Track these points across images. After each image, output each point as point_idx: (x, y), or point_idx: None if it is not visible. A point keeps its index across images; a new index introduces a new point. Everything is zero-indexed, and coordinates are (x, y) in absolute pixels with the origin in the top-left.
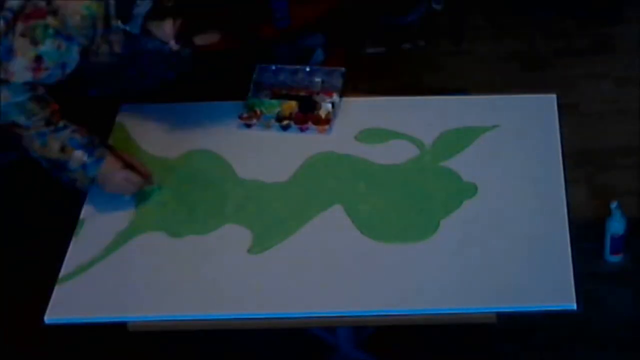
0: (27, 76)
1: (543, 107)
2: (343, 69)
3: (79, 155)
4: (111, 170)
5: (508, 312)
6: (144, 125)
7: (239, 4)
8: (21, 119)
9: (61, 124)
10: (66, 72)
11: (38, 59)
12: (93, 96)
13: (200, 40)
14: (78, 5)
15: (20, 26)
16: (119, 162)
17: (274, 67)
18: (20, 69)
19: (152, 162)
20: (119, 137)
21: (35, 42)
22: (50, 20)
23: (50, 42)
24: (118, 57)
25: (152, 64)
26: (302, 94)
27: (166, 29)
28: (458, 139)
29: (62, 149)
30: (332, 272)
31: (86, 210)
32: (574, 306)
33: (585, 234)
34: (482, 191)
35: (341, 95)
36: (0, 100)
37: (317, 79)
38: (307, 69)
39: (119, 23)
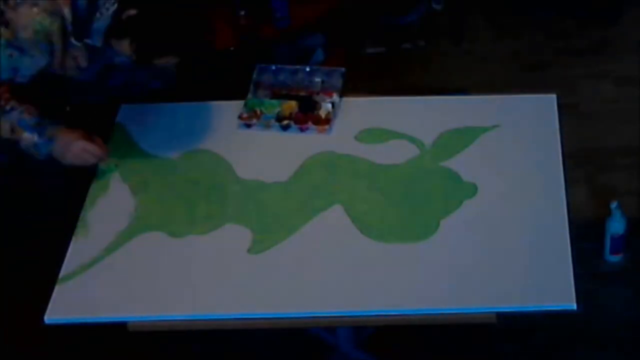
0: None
1: (543, 107)
2: (343, 69)
3: (29, 136)
4: (67, 142)
5: (508, 312)
6: (144, 125)
7: (189, 26)
8: None
9: (8, 106)
10: (19, 74)
11: None
12: (76, 104)
13: (158, 61)
14: (30, 19)
15: None
16: (74, 132)
17: (274, 67)
18: None
19: (152, 162)
20: (119, 137)
21: None
22: (2, 31)
23: (2, 51)
24: (90, 72)
25: (134, 75)
26: (302, 94)
27: (124, 47)
28: (458, 139)
29: (12, 130)
30: (332, 272)
31: (86, 210)
32: (574, 306)
33: (585, 234)
34: (482, 191)
35: (341, 95)
36: None
37: (317, 79)
38: (307, 69)
39: (73, 40)
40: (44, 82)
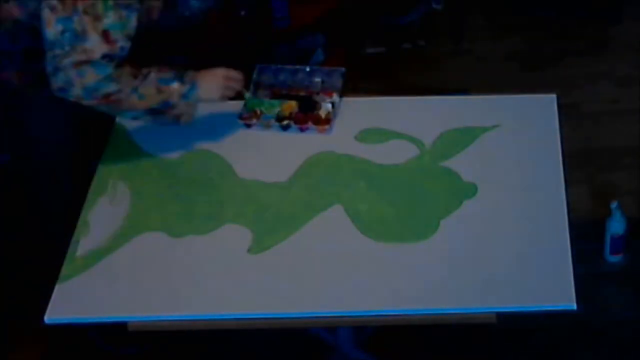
0: (104, 49)
1: (543, 107)
2: (343, 69)
3: (176, 87)
4: (209, 78)
5: (508, 312)
6: (144, 126)
7: None
8: (112, 88)
9: (144, 71)
10: (130, 42)
11: (105, 33)
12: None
13: None
14: None
15: (80, 6)
16: (210, 69)
17: (273, 67)
18: (95, 44)
19: (152, 162)
20: (119, 137)
21: (98, 18)
22: None
23: (111, 15)
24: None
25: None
26: (302, 94)
27: None
28: (458, 139)
29: (159, 91)
30: (332, 272)
31: (86, 210)
32: (574, 306)
33: (585, 234)
34: (482, 191)
35: (341, 95)
36: (90, 80)
37: (317, 79)
38: (307, 69)
39: None
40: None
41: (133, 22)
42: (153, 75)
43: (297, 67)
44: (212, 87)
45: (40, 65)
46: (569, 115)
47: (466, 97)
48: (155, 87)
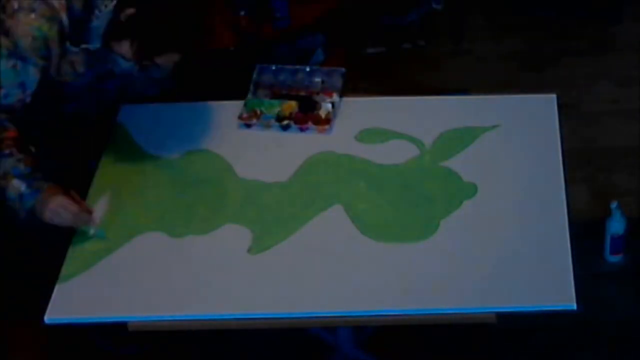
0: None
1: (543, 107)
2: (343, 69)
3: (17, 184)
4: (48, 196)
5: (508, 312)
6: (144, 125)
7: (188, 20)
8: None
9: (7, 151)
10: (27, 92)
11: None
12: (69, 112)
13: (160, 60)
14: (28, 26)
15: None
16: (59, 190)
17: (274, 67)
18: None
19: (153, 162)
20: (120, 137)
21: None
22: (2, 41)
23: (4, 62)
24: (86, 77)
25: (132, 81)
26: (302, 94)
27: (124, 49)
28: (458, 139)
29: (4, 176)
30: (332, 272)
31: None
32: (574, 306)
33: (585, 234)
34: (482, 191)
35: (341, 95)
36: None
37: (317, 79)
38: (307, 69)
39: (69, 45)
40: (37, 92)
41: (30, 74)
42: (11, 160)
43: (297, 67)
44: (45, 206)
45: None
46: (569, 115)
47: (466, 97)
48: (3, 171)
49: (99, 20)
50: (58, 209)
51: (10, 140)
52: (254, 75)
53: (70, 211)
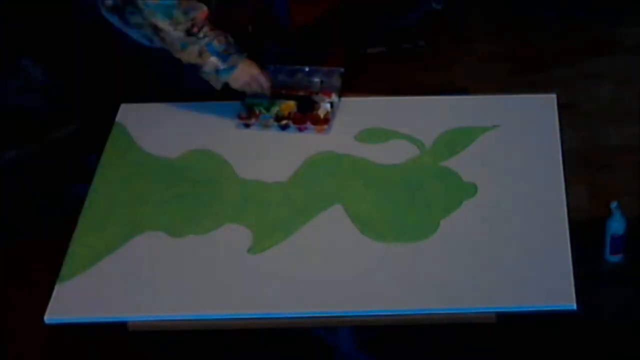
0: None
1: (543, 107)
2: (342, 69)
3: (214, 61)
4: (246, 70)
5: (508, 312)
6: (143, 125)
7: None
8: (164, 24)
9: (201, 34)
10: None
11: None
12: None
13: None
14: None
15: None
16: (253, 63)
17: (273, 67)
18: None
19: (152, 162)
20: (119, 137)
21: None
22: None
23: None
24: None
25: None
26: (301, 94)
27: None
28: (458, 139)
29: (200, 54)
30: (332, 272)
31: (86, 209)
32: (574, 306)
33: (585, 234)
34: (482, 191)
35: (340, 96)
36: (150, 1)
37: (316, 79)
38: (306, 69)
39: None
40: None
41: None
42: (206, 40)
43: (296, 67)
44: (241, 79)
45: None
46: (569, 115)
47: (466, 97)
48: (199, 48)
49: None
50: (252, 81)
51: (201, 21)
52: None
53: (260, 85)
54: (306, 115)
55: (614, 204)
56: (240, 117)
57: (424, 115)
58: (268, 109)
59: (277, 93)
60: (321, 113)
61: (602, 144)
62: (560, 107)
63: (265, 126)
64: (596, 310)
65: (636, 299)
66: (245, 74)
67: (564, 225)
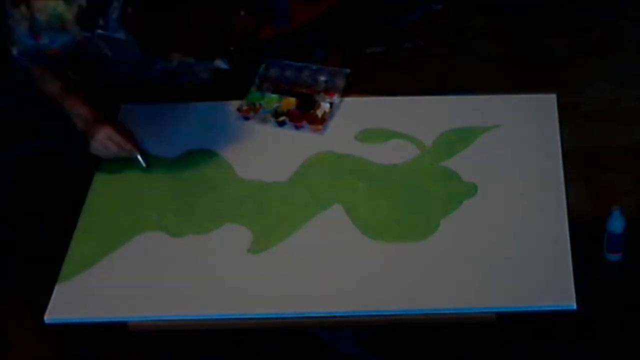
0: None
1: (543, 107)
2: (348, 70)
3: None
4: (99, 131)
5: (508, 312)
6: (144, 125)
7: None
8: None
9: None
10: (49, 43)
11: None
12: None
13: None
14: (45, 3)
15: None
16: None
17: (281, 63)
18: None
19: (153, 162)
20: None
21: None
22: (22, 9)
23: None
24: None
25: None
26: (304, 91)
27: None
28: (458, 139)
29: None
30: (331, 272)
31: (87, 210)
32: (574, 306)
33: (585, 234)
34: (482, 191)
35: (342, 96)
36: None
37: (322, 78)
38: (314, 67)
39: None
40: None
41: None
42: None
43: (304, 64)
44: (95, 133)
45: None
46: (569, 115)
47: (466, 97)
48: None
49: (114, 11)
50: (104, 140)
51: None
52: (261, 69)
53: (116, 143)
54: (303, 113)
55: (614, 204)
56: (240, 110)
57: (424, 115)
58: (269, 105)
59: (281, 89)
60: (319, 112)
61: (602, 144)
62: (560, 107)
63: (264, 121)
64: (596, 310)
65: (636, 299)
66: (99, 135)
67: (564, 225)
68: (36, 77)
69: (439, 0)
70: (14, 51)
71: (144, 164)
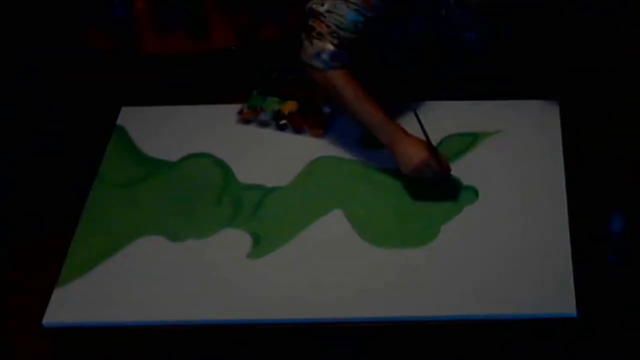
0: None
1: (545, 111)
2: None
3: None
4: (410, 152)
5: (508, 319)
6: (144, 128)
7: None
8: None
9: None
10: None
11: None
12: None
13: None
14: None
15: None
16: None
17: (283, 65)
18: None
19: (153, 165)
20: (119, 140)
21: None
22: None
23: None
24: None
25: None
26: (306, 95)
27: None
28: (459, 144)
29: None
30: (331, 278)
31: (86, 213)
32: (575, 314)
33: (585, 234)
34: (483, 197)
35: None
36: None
37: None
38: None
39: None
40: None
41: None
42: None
43: None
44: (406, 162)
45: None
46: (569, 115)
47: (468, 102)
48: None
49: None
50: (422, 167)
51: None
52: (274, 74)
53: (434, 168)
54: (304, 117)
55: (614, 205)
56: (241, 114)
57: (425, 120)
58: (270, 108)
59: (283, 91)
60: (320, 117)
61: (602, 144)
62: (562, 108)
63: (264, 124)
64: (596, 311)
65: (636, 300)
66: (410, 157)
67: (565, 232)
68: (339, 82)
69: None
70: (329, 47)
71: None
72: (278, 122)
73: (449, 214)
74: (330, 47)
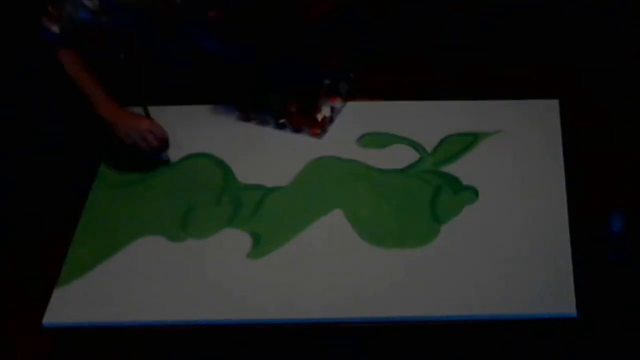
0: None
1: (545, 111)
2: (351, 74)
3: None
4: (131, 123)
5: (508, 319)
6: None
7: None
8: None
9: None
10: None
11: None
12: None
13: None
14: None
15: None
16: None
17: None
18: None
19: (152, 165)
20: (119, 140)
21: None
22: None
23: None
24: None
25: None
26: (307, 94)
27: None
28: (459, 143)
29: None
30: (331, 278)
31: (86, 213)
32: (575, 314)
33: (585, 234)
34: (483, 197)
35: (345, 101)
36: None
37: (326, 81)
38: (318, 69)
39: None
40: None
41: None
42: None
43: (308, 64)
44: (131, 129)
45: None
46: (570, 115)
47: (468, 101)
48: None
49: None
50: (145, 132)
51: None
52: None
53: (154, 137)
54: (304, 116)
55: (614, 204)
56: (240, 111)
57: (425, 120)
58: (271, 106)
59: (283, 90)
60: (319, 117)
61: (602, 144)
62: (562, 108)
63: (264, 123)
64: (596, 312)
65: (636, 300)
66: (132, 127)
67: (565, 232)
68: (67, 59)
69: None
70: (54, 28)
71: (169, 159)
72: (278, 121)
73: (449, 214)
74: (56, 29)
